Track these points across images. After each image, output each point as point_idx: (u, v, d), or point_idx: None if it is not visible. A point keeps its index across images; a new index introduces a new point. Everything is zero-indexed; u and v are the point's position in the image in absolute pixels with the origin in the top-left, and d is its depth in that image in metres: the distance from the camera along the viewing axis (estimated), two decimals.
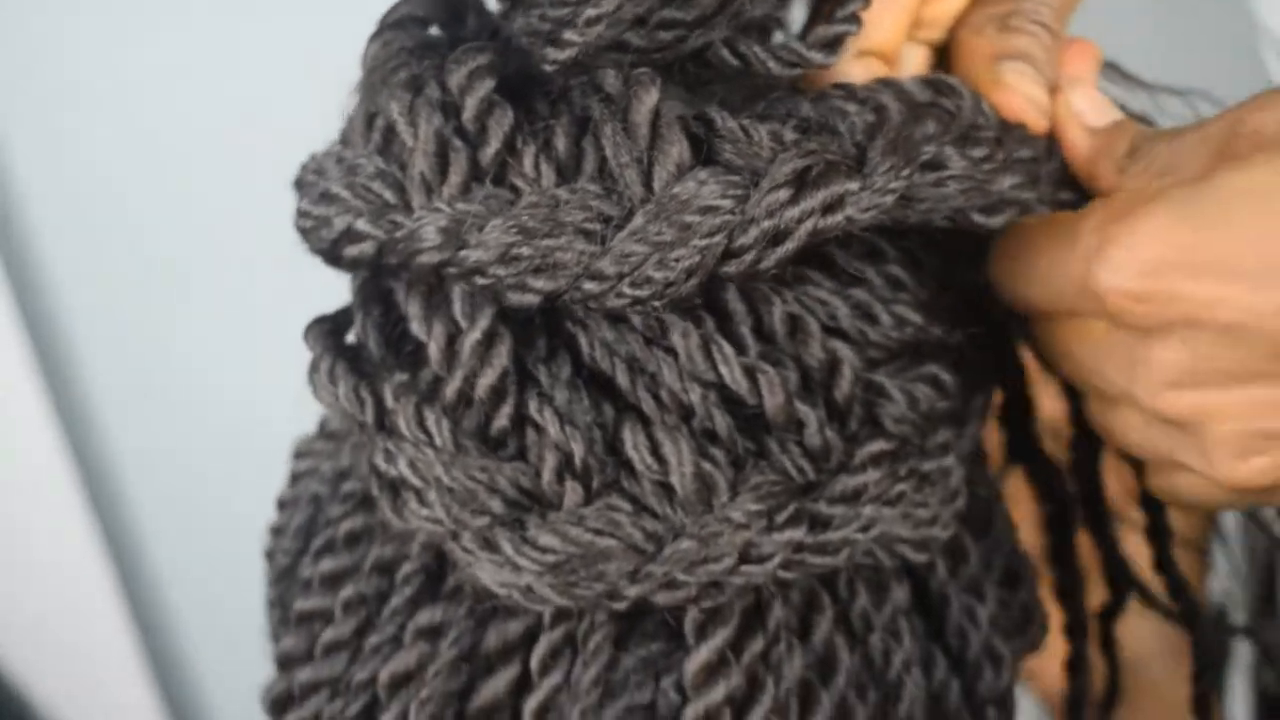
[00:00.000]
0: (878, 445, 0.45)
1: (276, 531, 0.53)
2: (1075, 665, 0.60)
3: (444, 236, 0.42)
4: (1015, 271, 0.48)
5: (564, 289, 0.42)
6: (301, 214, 0.46)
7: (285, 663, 0.48)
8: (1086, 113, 0.49)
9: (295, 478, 0.54)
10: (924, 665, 0.49)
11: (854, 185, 0.41)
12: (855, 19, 0.45)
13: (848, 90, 0.45)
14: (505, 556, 0.43)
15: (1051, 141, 0.49)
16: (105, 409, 1.22)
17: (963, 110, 0.46)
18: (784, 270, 0.45)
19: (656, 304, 0.42)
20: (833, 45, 0.45)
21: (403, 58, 0.46)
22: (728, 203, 0.41)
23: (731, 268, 0.42)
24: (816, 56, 0.45)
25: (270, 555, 0.53)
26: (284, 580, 0.51)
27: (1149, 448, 0.47)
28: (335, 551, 0.49)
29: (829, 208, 0.41)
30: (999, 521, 0.53)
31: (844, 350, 0.45)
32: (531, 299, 0.42)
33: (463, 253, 0.42)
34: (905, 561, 0.49)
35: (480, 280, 0.42)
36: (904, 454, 0.45)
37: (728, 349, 0.43)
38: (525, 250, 0.41)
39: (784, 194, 0.41)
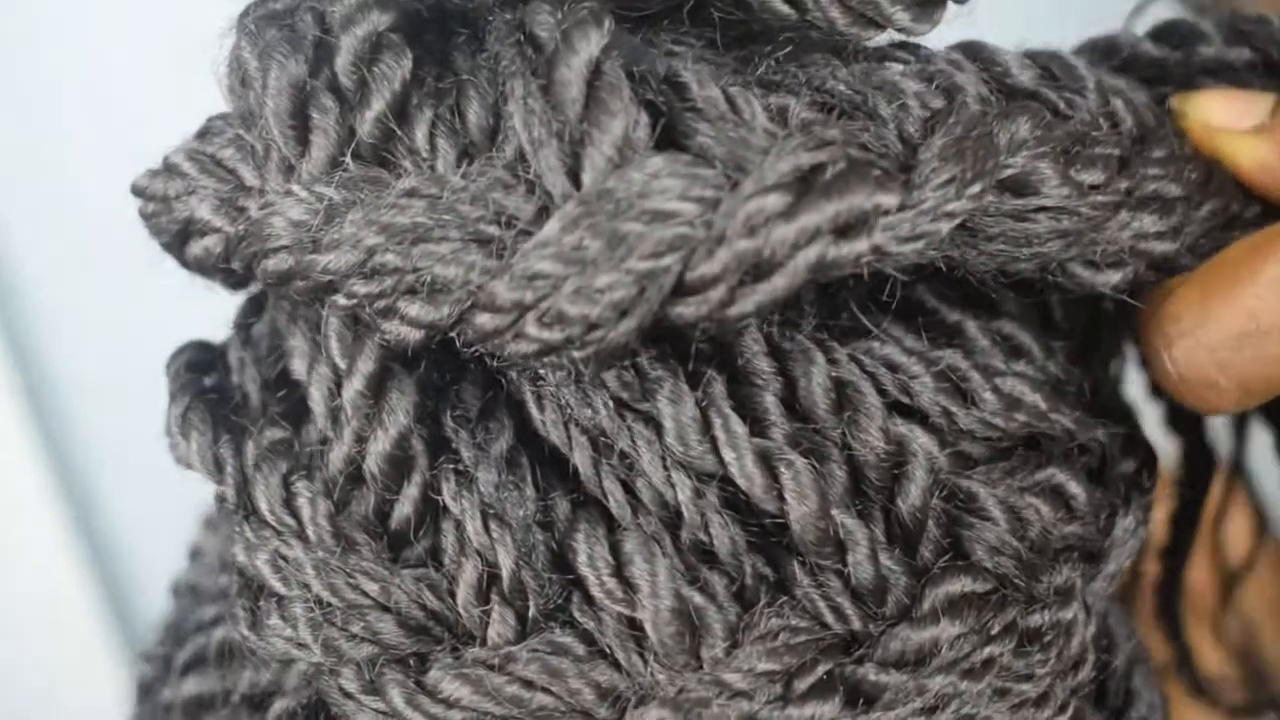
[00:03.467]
0: (960, 584, 0.29)
1: (158, 628, 0.39)
2: None
3: (295, 234, 0.28)
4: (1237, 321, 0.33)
5: (448, 322, 0.27)
6: (137, 192, 0.32)
7: None
8: (1230, 116, 0.34)
9: (192, 556, 0.40)
10: None
11: (889, 199, 0.26)
12: None
13: (915, 56, 0.30)
14: (393, 708, 0.29)
15: (1209, 170, 0.33)
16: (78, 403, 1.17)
17: (1078, 109, 0.30)
18: (839, 310, 0.29)
19: (577, 356, 0.27)
20: (928, 6, 0.29)
21: None
22: (691, 207, 0.25)
23: (687, 309, 0.26)
24: (902, 16, 0.29)
25: (140, 660, 0.39)
26: (146, 701, 0.37)
27: None
28: (203, 669, 0.35)
29: (845, 229, 0.26)
30: (1142, 696, 0.36)
31: (919, 439, 0.29)
32: (409, 333, 0.28)
33: (311, 257, 0.28)
34: None
35: (340, 300, 0.28)
36: (1001, 601, 0.30)
37: (736, 424, 0.28)
38: (389, 258, 0.27)
39: (775, 201, 0.25)
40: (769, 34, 0.30)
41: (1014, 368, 0.32)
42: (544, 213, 0.26)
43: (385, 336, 0.28)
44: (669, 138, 0.27)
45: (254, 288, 0.33)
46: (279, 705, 0.33)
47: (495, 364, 0.30)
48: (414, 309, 0.27)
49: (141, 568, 1.21)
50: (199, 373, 0.33)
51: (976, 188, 0.27)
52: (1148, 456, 0.34)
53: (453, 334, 0.27)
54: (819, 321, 0.31)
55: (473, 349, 0.28)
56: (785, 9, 0.29)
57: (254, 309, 0.33)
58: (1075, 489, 0.31)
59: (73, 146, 1.01)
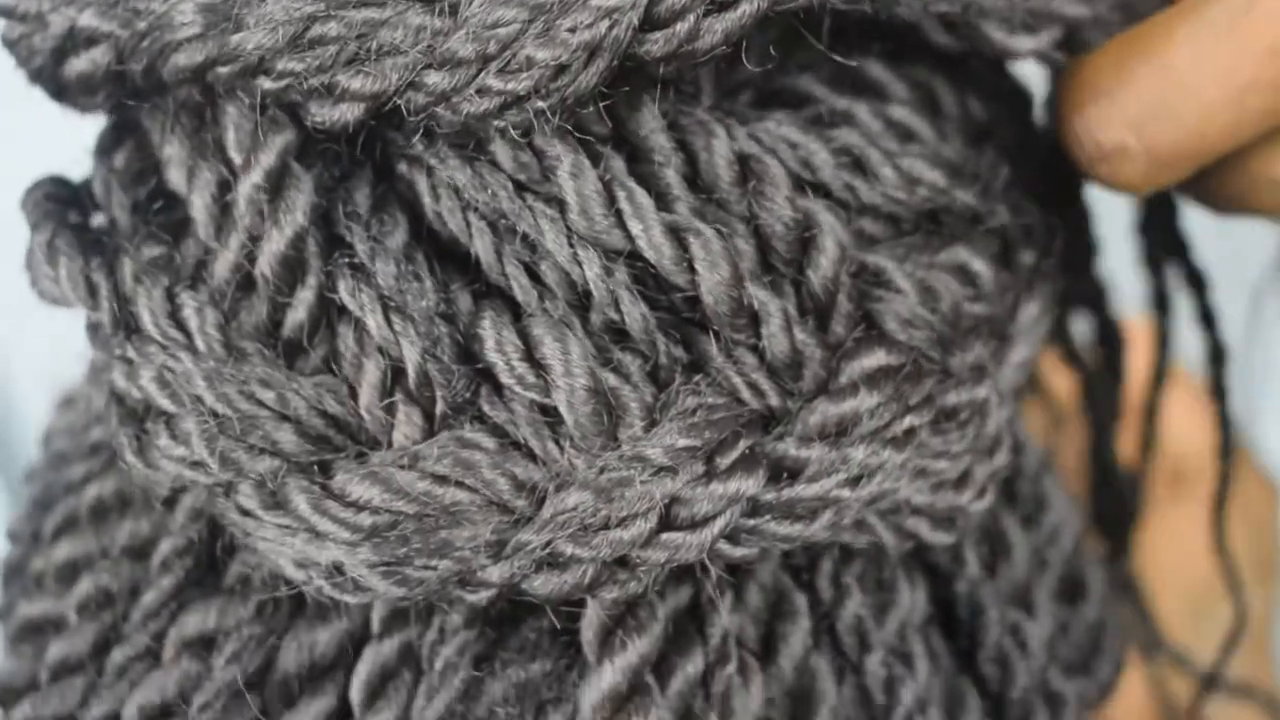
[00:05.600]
0: (876, 358, 0.28)
1: (12, 527, 0.36)
2: None
3: (208, 19, 0.26)
4: (1156, 107, 0.33)
5: (396, 88, 0.26)
6: (4, 13, 0.29)
7: (4, 697, 0.31)
8: None
9: (46, 438, 0.37)
10: (947, 707, 0.33)
11: None
12: None
13: None
14: (299, 518, 0.27)
15: None
16: None
17: None
18: (734, 95, 0.29)
19: (543, 106, 0.26)
20: None
21: None
22: None
23: (657, 45, 0.26)
24: None
25: (5, 551, 0.36)
26: (13, 581, 0.34)
27: None
28: (76, 530, 0.32)
29: None
30: (1055, 505, 0.36)
31: (824, 211, 0.28)
32: (349, 110, 0.26)
33: (236, 38, 0.26)
34: (920, 547, 0.32)
35: (266, 83, 0.26)
36: (915, 374, 0.29)
37: (642, 197, 0.27)
38: (331, 28, 0.26)
39: None
40: None
41: (908, 149, 0.31)
42: None
43: (314, 119, 0.27)
44: None
45: (109, 116, 0.31)
46: (164, 546, 0.30)
47: (383, 157, 0.29)
48: (356, 81, 0.26)
49: None
50: (61, 205, 0.30)
51: None
52: (1048, 245, 0.34)
53: (396, 101, 0.26)
54: (713, 104, 0.30)
55: (418, 115, 0.26)
56: None
57: (116, 135, 0.30)
58: (980, 267, 0.31)
59: None
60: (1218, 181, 0.34)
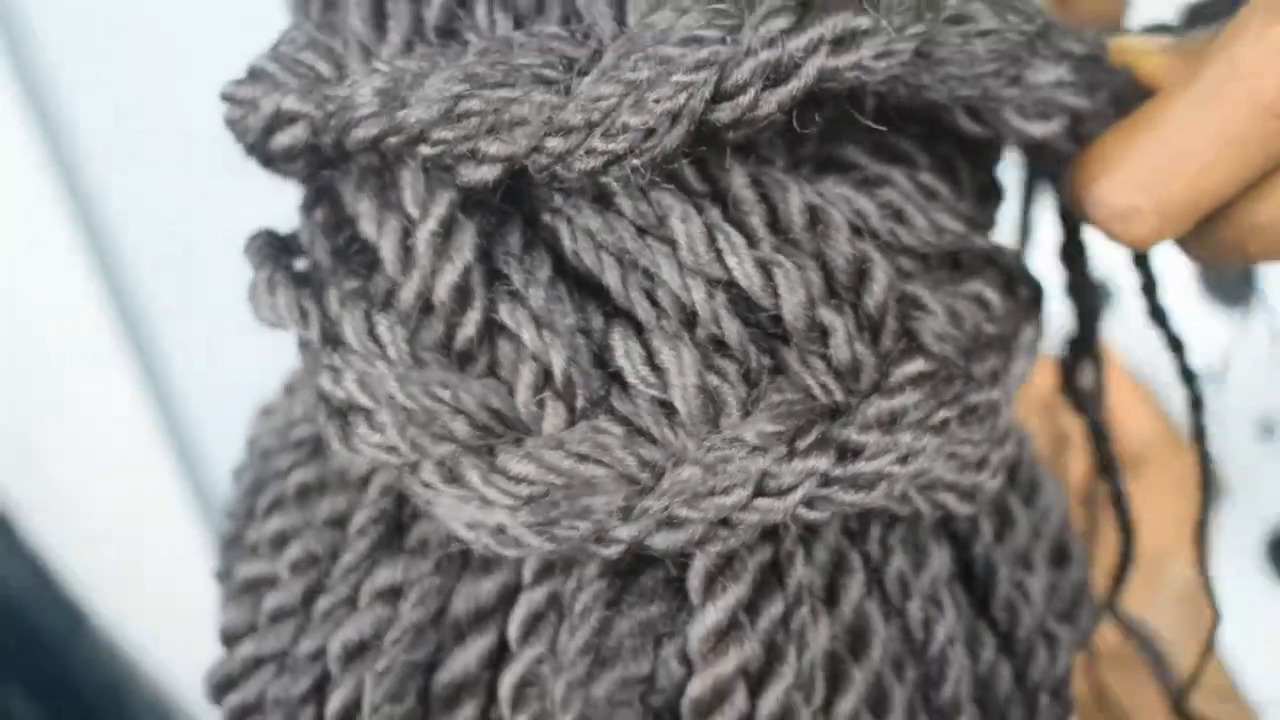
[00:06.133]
0: (917, 364, 0.35)
1: (229, 506, 0.43)
2: None
3: (381, 100, 0.33)
4: (1146, 158, 0.37)
5: (525, 151, 0.32)
6: (227, 98, 0.37)
7: (228, 639, 0.38)
8: (1141, 44, 0.39)
9: (250, 442, 0.44)
10: (969, 643, 0.39)
11: (867, 21, 0.32)
12: None
13: None
14: (472, 489, 0.34)
15: (1118, 67, 0.39)
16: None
17: None
18: (798, 165, 0.36)
19: (638, 163, 0.32)
20: None
21: None
22: (714, 32, 0.32)
23: (724, 113, 0.32)
24: None
25: (221, 528, 0.43)
26: (231, 548, 0.41)
27: None
28: (284, 507, 0.39)
29: (839, 41, 0.32)
30: (1047, 489, 0.43)
31: (874, 251, 0.35)
32: (489, 171, 0.33)
33: (401, 114, 0.33)
34: (946, 517, 0.39)
35: (426, 149, 0.33)
36: (947, 377, 0.36)
37: (737, 238, 0.34)
38: (474, 104, 0.32)
39: (784, 21, 0.32)
40: None
41: (934, 204, 0.38)
42: (597, 54, 0.32)
43: (463, 179, 0.33)
44: None
45: (309, 182, 0.38)
46: (360, 516, 0.37)
47: (531, 210, 0.36)
48: (494, 147, 0.32)
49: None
50: (275, 249, 0.38)
51: (929, 14, 0.33)
52: (1037, 287, 0.41)
53: (524, 162, 0.32)
54: (785, 165, 0.37)
55: (542, 172, 0.33)
56: None
57: (315, 196, 0.37)
58: (992, 296, 0.37)
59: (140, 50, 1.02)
60: (1210, 235, 0.37)
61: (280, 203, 0.39)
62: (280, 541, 0.38)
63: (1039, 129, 0.37)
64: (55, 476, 1.19)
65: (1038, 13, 0.37)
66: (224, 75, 0.37)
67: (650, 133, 0.32)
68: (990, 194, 0.41)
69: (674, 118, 0.32)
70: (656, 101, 0.31)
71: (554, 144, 0.32)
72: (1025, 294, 0.40)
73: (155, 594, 1.23)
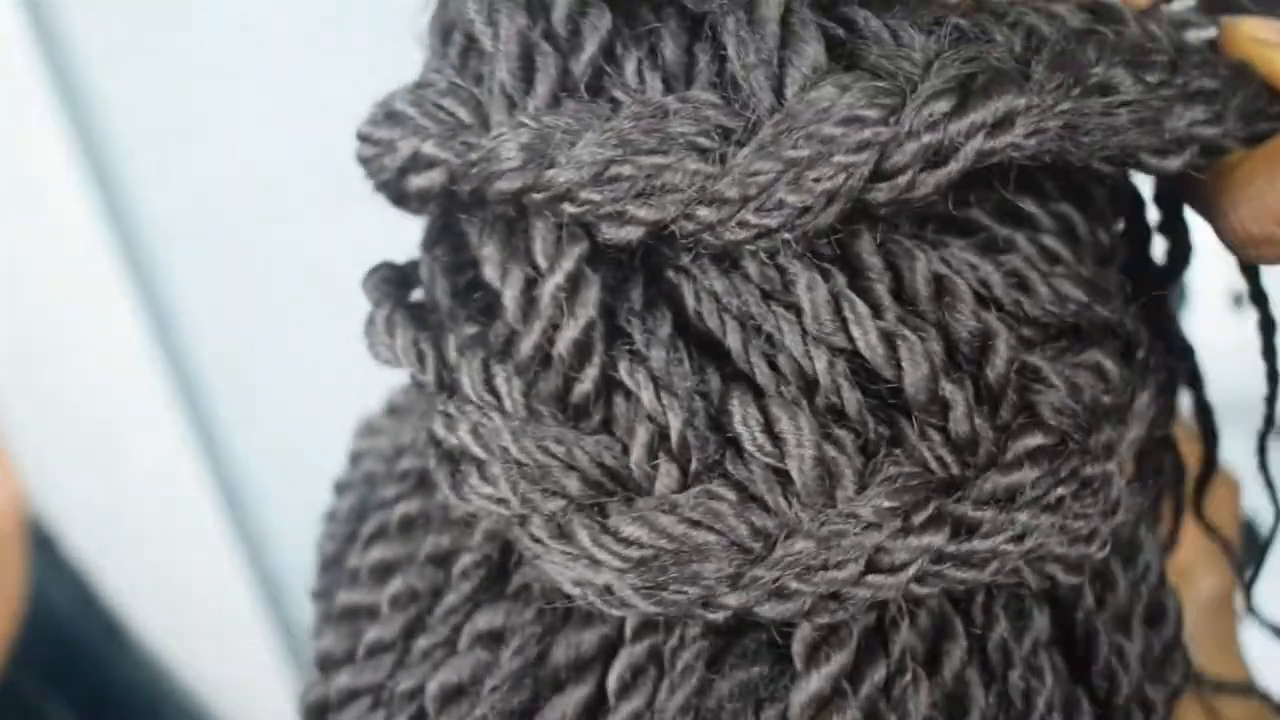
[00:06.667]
0: (1036, 439, 0.34)
1: (330, 517, 0.43)
2: None
3: (527, 155, 0.32)
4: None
5: (673, 218, 0.32)
6: (362, 139, 0.36)
7: (324, 664, 0.38)
8: (1271, 33, 0.39)
9: (355, 458, 0.44)
10: (1066, 710, 0.39)
11: (1023, 100, 0.31)
12: None
13: (993, 10, 0.35)
14: (581, 548, 0.33)
15: (1240, 70, 0.38)
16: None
17: (1126, 34, 0.36)
18: (923, 225, 0.35)
19: (788, 237, 0.32)
20: None
21: None
22: (876, 113, 0.31)
23: (881, 193, 0.32)
24: None
25: (321, 543, 0.43)
26: (331, 569, 0.41)
27: None
28: (387, 538, 0.39)
29: (998, 124, 0.31)
30: (1147, 546, 0.42)
31: (998, 322, 0.34)
32: (632, 232, 0.32)
33: (549, 173, 0.32)
34: (1051, 585, 0.38)
35: (570, 209, 0.32)
36: (1065, 452, 0.35)
37: (862, 308, 0.33)
38: (626, 169, 0.31)
39: (946, 104, 0.31)
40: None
41: (1056, 270, 0.37)
42: (755, 125, 0.31)
43: (605, 236, 0.33)
44: (848, 61, 0.32)
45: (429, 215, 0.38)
46: (465, 560, 0.37)
47: (655, 266, 0.35)
48: (642, 211, 0.32)
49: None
50: (394, 285, 0.37)
51: (1077, 90, 0.32)
52: (1154, 343, 0.40)
53: (672, 228, 0.32)
54: (912, 232, 0.36)
55: (688, 238, 0.32)
56: None
57: (436, 234, 0.37)
58: (1110, 367, 0.36)
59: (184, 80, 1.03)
60: None
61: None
62: (383, 572, 0.38)
63: (1173, 163, 0.36)
64: (94, 493, 1.22)
65: (1171, 58, 0.36)
66: None
67: (805, 210, 0.31)
68: (1111, 256, 0.39)
69: (831, 197, 0.31)
70: (816, 181, 0.31)
71: (704, 213, 0.32)
72: (1141, 356, 0.39)
73: (191, 608, 1.27)
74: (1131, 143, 0.35)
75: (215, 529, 1.25)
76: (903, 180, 0.31)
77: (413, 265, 0.38)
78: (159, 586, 1.25)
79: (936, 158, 0.31)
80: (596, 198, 0.32)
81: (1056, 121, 0.32)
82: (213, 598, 1.27)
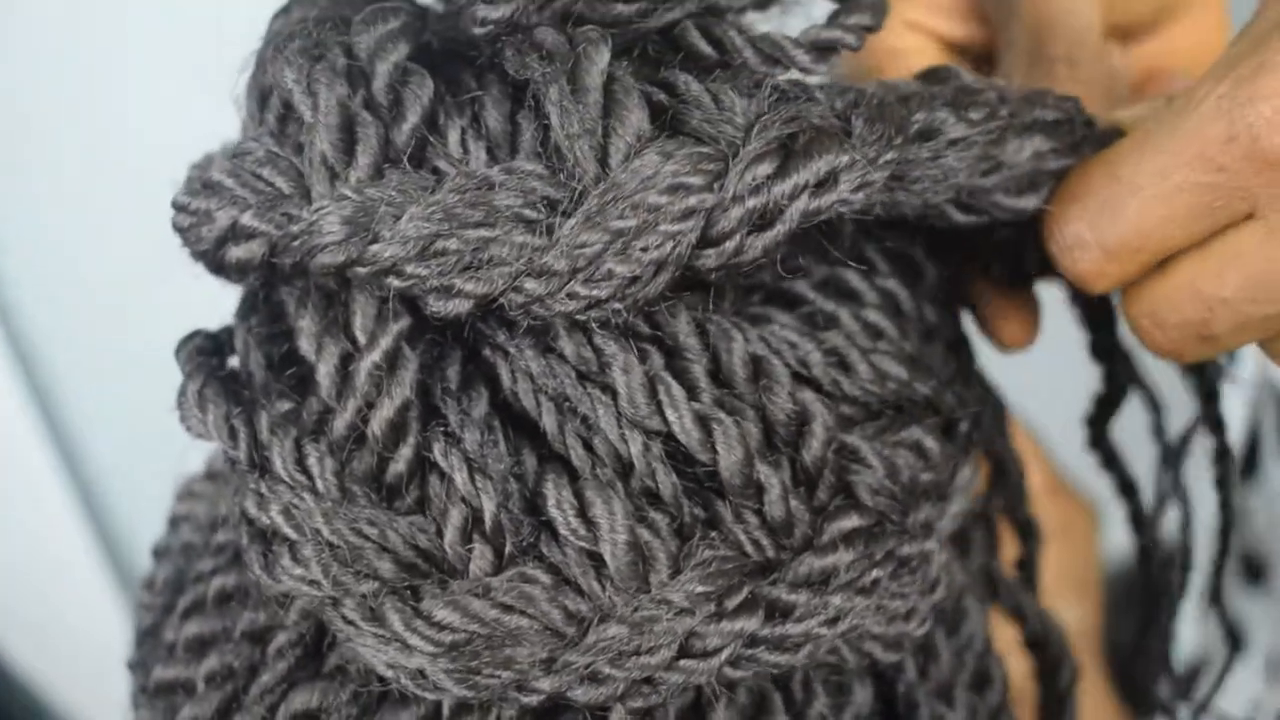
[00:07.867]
0: (851, 521, 0.34)
1: (148, 585, 0.42)
2: None
3: (350, 229, 0.32)
4: (1105, 219, 0.36)
5: (501, 290, 0.31)
6: (178, 208, 0.35)
7: None
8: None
9: (173, 523, 0.43)
10: None
11: (846, 157, 0.31)
12: (858, 32, 0.35)
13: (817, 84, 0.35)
14: (394, 632, 0.32)
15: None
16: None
17: (951, 82, 0.36)
18: (749, 295, 0.35)
19: (619, 306, 0.32)
20: (824, 51, 0.35)
21: (303, 26, 0.35)
22: (700, 179, 0.31)
23: (710, 259, 0.32)
24: (803, 58, 0.35)
25: (138, 611, 0.42)
26: (147, 642, 0.40)
27: None
28: (203, 613, 0.38)
29: (822, 183, 0.31)
30: (972, 614, 0.42)
31: (816, 403, 0.34)
32: (461, 305, 0.32)
33: (374, 248, 0.31)
34: (870, 662, 0.38)
35: (396, 283, 0.32)
36: (881, 533, 0.35)
37: (677, 391, 0.33)
38: (452, 243, 0.31)
39: (769, 166, 0.31)
40: (691, 66, 0.35)
41: (879, 346, 0.37)
42: (580, 196, 0.31)
43: (432, 310, 0.32)
44: (671, 127, 0.32)
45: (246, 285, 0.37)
46: (280, 638, 0.36)
47: (472, 343, 0.34)
48: (470, 285, 0.31)
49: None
50: (207, 356, 0.36)
51: (899, 139, 0.32)
52: (978, 416, 0.40)
53: (500, 300, 0.31)
54: (734, 309, 0.36)
55: (517, 310, 0.32)
56: (706, 46, 0.34)
57: (252, 303, 0.36)
58: (931, 444, 0.36)
59: (68, 154, 1.00)
60: (1160, 295, 0.36)
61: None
62: (199, 648, 0.37)
63: (1030, 202, 0.37)
64: None
65: (998, 97, 0.36)
66: None
67: (634, 280, 0.31)
68: (936, 331, 0.40)
69: (659, 266, 0.31)
70: (644, 250, 0.31)
71: (533, 286, 0.31)
72: (963, 430, 0.39)
73: (63, 635, 1.25)
74: (972, 184, 0.35)
75: (83, 556, 1.23)
76: (730, 245, 0.31)
77: (228, 331, 0.37)
78: (30, 616, 1.23)
79: (763, 220, 0.31)
80: (423, 272, 0.31)
81: (882, 173, 0.32)
82: (85, 624, 1.24)
